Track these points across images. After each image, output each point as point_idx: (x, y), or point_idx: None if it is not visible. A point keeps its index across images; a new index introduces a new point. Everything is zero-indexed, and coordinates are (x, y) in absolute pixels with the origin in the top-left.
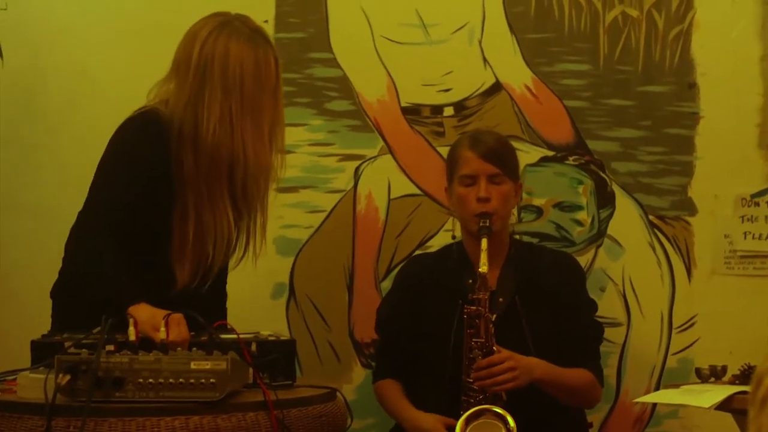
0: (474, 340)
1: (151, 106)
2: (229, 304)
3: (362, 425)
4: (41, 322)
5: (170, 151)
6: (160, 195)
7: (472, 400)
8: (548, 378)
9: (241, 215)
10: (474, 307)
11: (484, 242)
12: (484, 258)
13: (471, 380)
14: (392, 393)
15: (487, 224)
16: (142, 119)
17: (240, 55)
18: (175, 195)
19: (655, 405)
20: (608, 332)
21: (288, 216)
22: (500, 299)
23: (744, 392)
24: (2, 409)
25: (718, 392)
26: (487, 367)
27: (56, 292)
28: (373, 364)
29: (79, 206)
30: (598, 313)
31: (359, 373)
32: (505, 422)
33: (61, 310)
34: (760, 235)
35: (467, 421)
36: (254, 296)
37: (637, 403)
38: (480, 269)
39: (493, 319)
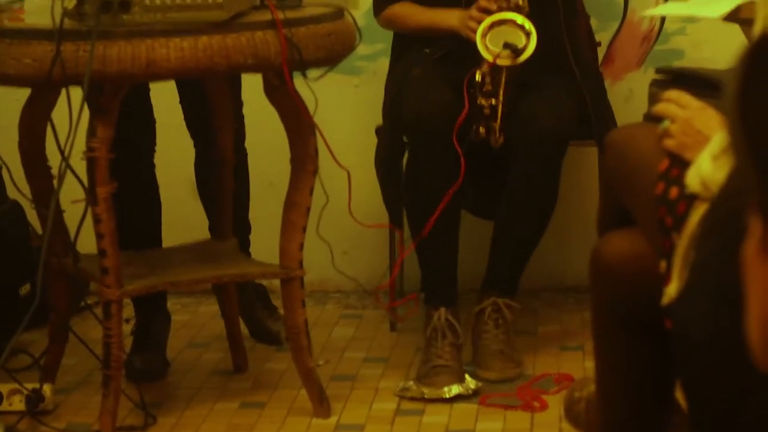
0: None
1: None
2: None
3: (371, 51)
4: None
5: None
6: None
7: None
8: None
9: None
10: None
11: None
12: None
13: None
14: (408, 8)
15: None
16: None
17: None
18: None
19: (662, 23)
20: None
21: None
22: None
23: (752, 1)
24: (11, 37)
25: (727, 2)
26: None
27: None
28: None
29: None
30: None
31: None
32: (524, 29)
33: None
34: None
35: (490, 26)
36: None
37: (644, 19)
38: None
39: None
